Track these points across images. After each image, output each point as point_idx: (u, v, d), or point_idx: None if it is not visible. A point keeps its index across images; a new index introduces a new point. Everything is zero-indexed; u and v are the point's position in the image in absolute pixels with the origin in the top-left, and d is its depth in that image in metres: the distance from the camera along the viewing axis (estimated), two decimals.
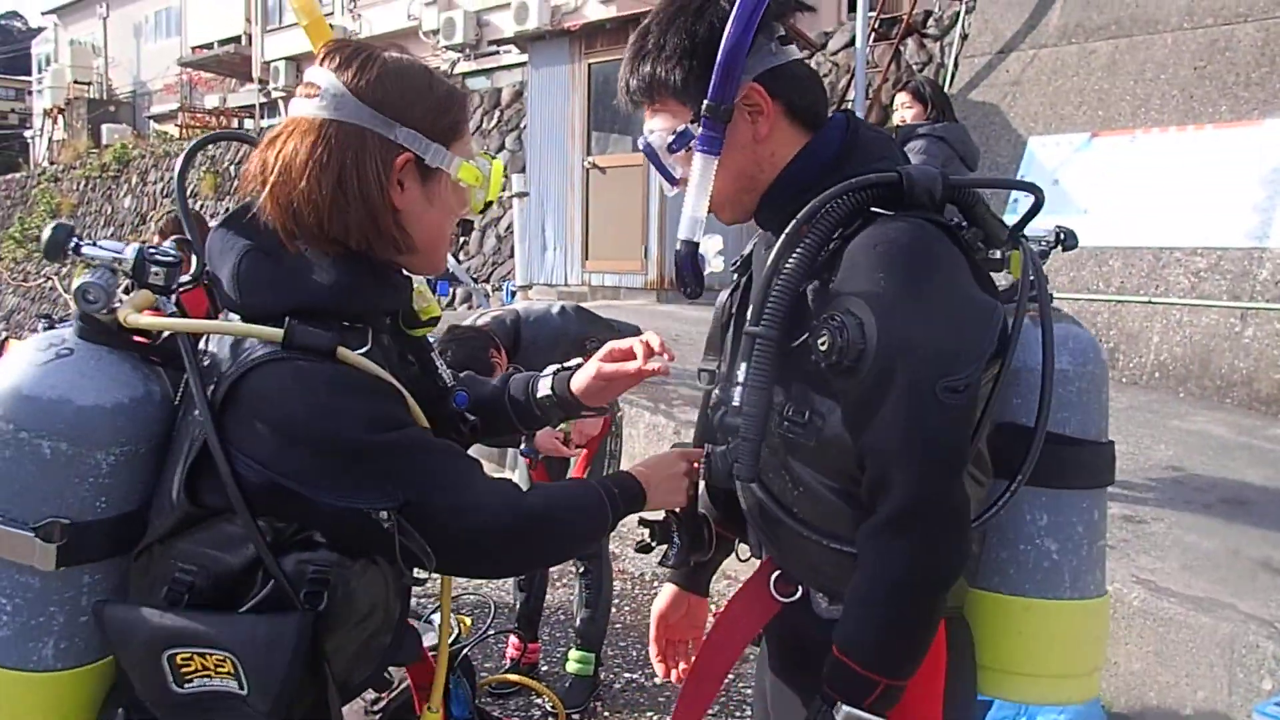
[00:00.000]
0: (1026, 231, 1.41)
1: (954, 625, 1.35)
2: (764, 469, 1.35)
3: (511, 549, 1.31)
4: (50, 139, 29.13)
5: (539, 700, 3.48)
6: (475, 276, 11.39)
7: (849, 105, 8.68)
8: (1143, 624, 3.18)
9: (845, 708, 1.23)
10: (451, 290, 9.75)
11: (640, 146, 1.45)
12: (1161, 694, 3.16)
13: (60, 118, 28.81)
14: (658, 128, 1.41)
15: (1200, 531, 3.75)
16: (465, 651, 3.32)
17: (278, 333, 1.18)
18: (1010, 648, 1.36)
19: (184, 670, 1.17)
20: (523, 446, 3.56)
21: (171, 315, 1.25)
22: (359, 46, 1.29)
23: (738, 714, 3.34)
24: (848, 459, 1.28)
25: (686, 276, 1.42)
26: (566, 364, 1.63)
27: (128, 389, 1.18)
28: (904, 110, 4.52)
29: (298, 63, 23.89)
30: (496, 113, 13.13)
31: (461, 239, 8.61)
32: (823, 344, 1.24)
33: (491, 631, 3.68)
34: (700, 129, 1.34)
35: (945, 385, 1.20)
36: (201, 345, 1.24)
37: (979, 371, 1.24)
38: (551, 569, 4.00)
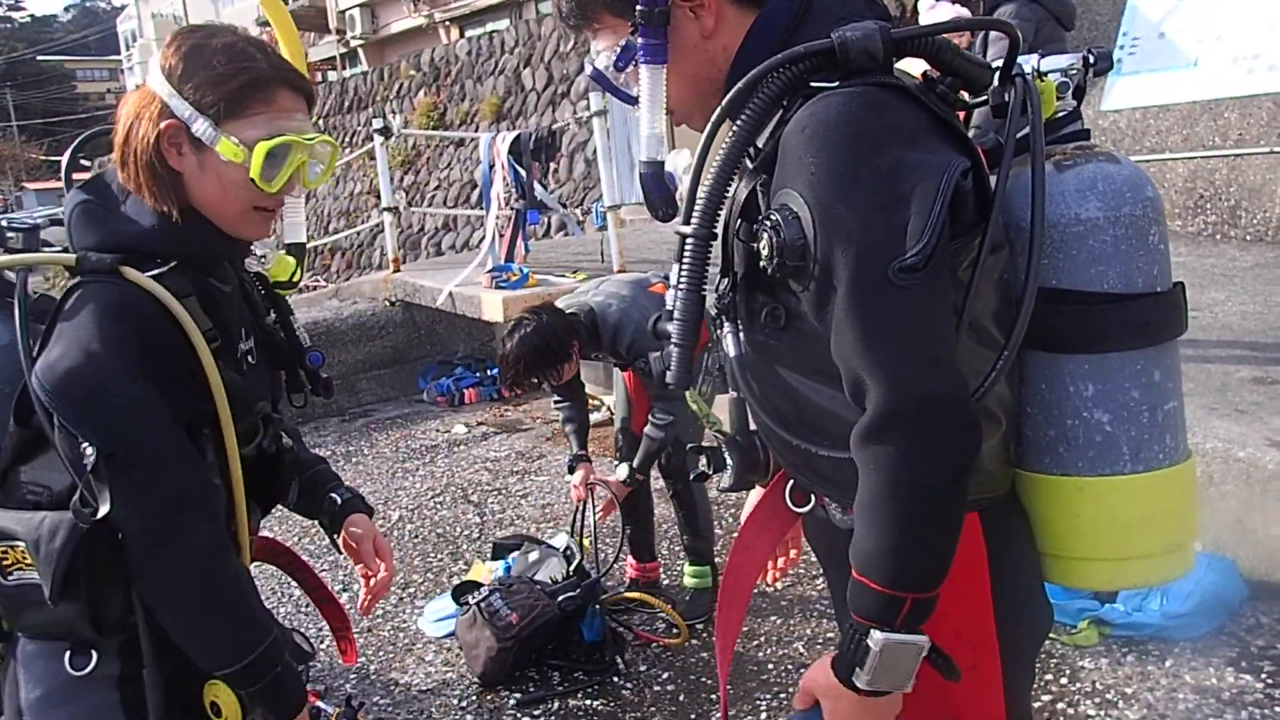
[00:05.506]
0: (1051, 63, 1.27)
1: (993, 516, 1.26)
2: (755, 379, 1.31)
3: (154, 572, 1.35)
4: None
5: (663, 615, 3.53)
6: (565, 203, 11.37)
7: None
8: (1279, 488, 3.04)
9: (879, 634, 1.13)
10: (542, 218, 9.71)
11: (590, 76, 1.38)
12: None
13: None
14: (601, 48, 1.34)
15: None
16: (600, 579, 3.40)
17: (70, 257, 1.37)
18: (1069, 532, 1.26)
19: (4, 562, 1.37)
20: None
21: None
22: (193, 28, 1.46)
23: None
24: (829, 358, 1.18)
25: (656, 200, 1.34)
26: None
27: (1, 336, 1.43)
28: None
29: (371, 9, 23.98)
30: (573, 35, 12.98)
31: (550, 165, 8.57)
32: (763, 248, 1.16)
33: (617, 562, 3.72)
34: (640, 39, 1.26)
35: (899, 266, 1.09)
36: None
37: (937, 239, 1.10)
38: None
